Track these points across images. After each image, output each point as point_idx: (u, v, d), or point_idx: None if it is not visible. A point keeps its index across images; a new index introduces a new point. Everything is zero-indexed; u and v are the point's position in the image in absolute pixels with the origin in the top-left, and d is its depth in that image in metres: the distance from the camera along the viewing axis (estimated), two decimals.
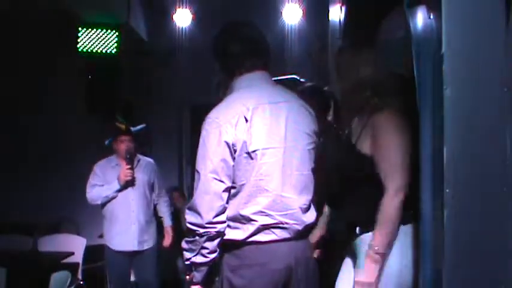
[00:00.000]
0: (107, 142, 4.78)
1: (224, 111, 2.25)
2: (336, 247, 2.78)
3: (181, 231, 4.99)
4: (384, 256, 2.30)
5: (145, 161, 4.90)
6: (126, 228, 4.64)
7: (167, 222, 4.94)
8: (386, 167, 2.35)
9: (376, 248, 2.29)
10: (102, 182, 4.65)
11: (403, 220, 2.37)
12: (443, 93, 1.88)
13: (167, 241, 4.90)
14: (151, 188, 4.86)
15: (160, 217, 4.97)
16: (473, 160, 1.88)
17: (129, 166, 4.59)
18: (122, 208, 4.65)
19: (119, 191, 4.62)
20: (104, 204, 4.69)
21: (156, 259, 4.84)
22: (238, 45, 2.37)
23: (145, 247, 4.72)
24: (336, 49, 3.76)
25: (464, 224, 1.87)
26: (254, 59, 2.37)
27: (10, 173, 6.50)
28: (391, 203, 2.31)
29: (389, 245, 2.31)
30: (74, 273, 5.28)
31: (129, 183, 4.62)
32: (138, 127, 4.82)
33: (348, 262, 2.54)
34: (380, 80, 2.49)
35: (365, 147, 2.44)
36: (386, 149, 2.37)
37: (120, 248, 4.67)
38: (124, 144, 4.64)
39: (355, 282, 2.34)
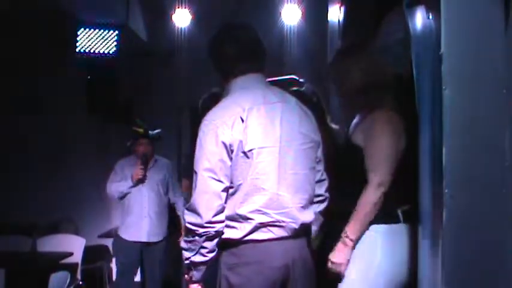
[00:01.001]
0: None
1: (220, 113, 2.29)
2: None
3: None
4: (354, 242, 2.43)
5: (162, 161, 5.30)
6: (138, 221, 5.05)
7: (184, 221, 5.10)
8: (373, 161, 2.43)
9: (347, 233, 2.43)
10: (121, 179, 5.08)
11: (392, 219, 2.45)
12: (443, 93, 1.88)
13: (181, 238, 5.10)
14: (166, 186, 5.24)
15: (178, 215, 5.30)
16: (472, 161, 1.88)
17: (142, 166, 5.01)
18: (136, 203, 5.07)
19: (133, 187, 5.03)
20: (121, 198, 5.13)
21: (164, 252, 5.20)
22: (234, 48, 2.40)
23: (155, 240, 5.10)
24: (335, 50, 3.76)
25: (463, 225, 1.87)
26: (250, 62, 2.40)
27: (9, 173, 6.49)
28: (371, 196, 2.40)
29: (361, 234, 2.43)
30: (73, 274, 5.28)
31: (140, 181, 5.03)
32: (155, 131, 5.15)
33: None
34: (380, 80, 2.52)
35: (358, 139, 2.51)
36: (376, 144, 2.43)
37: (132, 238, 5.05)
38: (142, 147, 5.08)
39: (328, 261, 2.48)
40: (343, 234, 2.45)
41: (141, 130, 5.05)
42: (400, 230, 2.45)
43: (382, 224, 2.45)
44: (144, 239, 5.06)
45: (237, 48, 2.39)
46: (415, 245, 2.30)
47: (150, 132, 5.08)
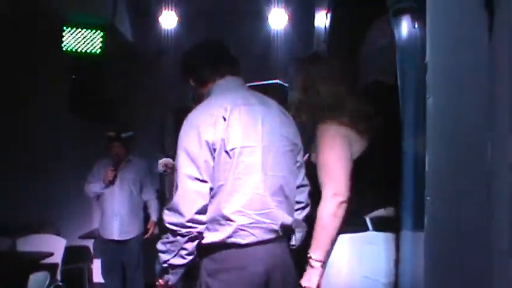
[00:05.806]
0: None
1: (203, 112, 2.32)
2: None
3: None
4: (323, 262, 2.31)
5: (135, 161, 5.51)
6: (110, 220, 5.34)
7: (153, 217, 5.51)
8: (322, 174, 2.35)
9: (310, 255, 2.31)
10: (96, 180, 5.33)
11: (358, 227, 2.36)
12: (426, 101, 1.90)
13: (149, 233, 5.47)
14: (139, 185, 5.47)
15: (149, 213, 5.58)
16: (454, 168, 1.90)
17: (112, 168, 5.26)
18: (107, 203, 5.35)
19: (105, 188, 5.30)
20: (98, 198, 5.45)
21: (140, 247, 5.43)
22: (208, 54, 2.52)
23: (128, 237, 5.34)
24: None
25: (444, 232, 1.88)
26: (225, 66, 2.48)
27: None
28: (324, 209, 2.29)
29: (326, 251, 2.31)
30: (53, 274, 5.23)
31: (111, 182, 5.28)
32: (127, 134, 5.39)
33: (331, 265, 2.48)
34: (332, 93, 2.46)
35: (313, 157, 2.46)
36: (323, 156, 2.36)
37: (107, 236, 5.36)
38: (114, 149, 5.34)
39: (298, 286, 2.35)
40: (308, 257, 2.33)
41: (112, 134, 5.34)
42: (369, 238, 2.36)
43: (347, 234, 2.36)
44: (115, 237, 5.32)
45: (211, 53, 2.52)
46: (396, 252, 2.30)
47: (122, 134, 5.35)
